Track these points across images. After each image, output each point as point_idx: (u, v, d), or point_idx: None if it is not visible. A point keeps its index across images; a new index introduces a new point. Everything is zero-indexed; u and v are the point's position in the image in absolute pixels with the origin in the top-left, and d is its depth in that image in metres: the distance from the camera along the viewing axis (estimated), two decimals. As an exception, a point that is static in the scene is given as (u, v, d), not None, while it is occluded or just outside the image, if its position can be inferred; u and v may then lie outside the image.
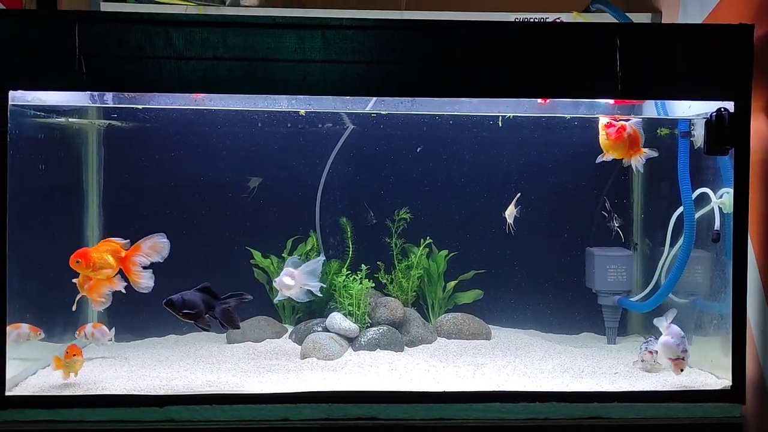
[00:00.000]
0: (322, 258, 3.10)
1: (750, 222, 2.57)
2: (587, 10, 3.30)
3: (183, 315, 2.54)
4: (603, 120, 2.91)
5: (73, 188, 3.37)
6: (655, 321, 2.81)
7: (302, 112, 3.27)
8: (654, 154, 2.91)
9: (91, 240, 3.44)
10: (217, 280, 3.19)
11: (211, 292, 2.62)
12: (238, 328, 2.71)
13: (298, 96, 2.76)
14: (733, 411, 2.56)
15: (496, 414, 2.51)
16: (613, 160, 2.95)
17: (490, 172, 3.58)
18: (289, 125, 3.49)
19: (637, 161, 2.91)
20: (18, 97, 2.52)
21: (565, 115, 3.24)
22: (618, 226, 3.20)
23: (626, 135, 2.88)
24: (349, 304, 3.27)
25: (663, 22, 3.33)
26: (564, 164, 3.57)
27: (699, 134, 2.84)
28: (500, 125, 3.22)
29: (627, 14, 3.13)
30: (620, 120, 2.91)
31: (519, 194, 3.30)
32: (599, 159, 2.94)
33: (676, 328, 2.73)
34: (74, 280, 2.70)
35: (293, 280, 2.98)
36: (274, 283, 3.06)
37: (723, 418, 2.55)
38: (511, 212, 3.32)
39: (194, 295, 2.59)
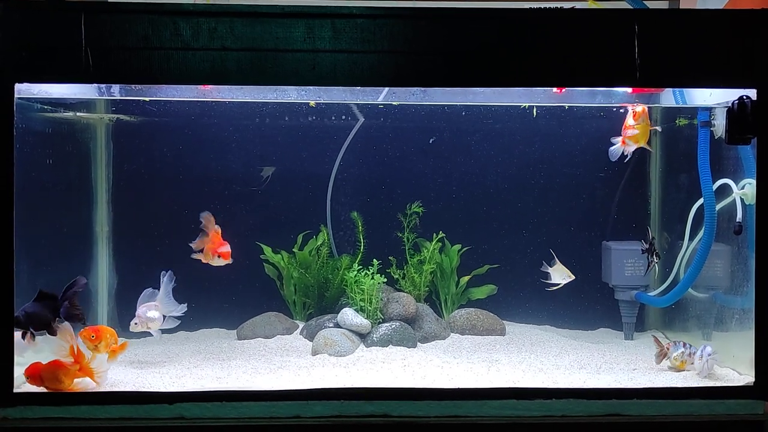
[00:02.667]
0: (167, 274, 2.88)
1: (773, 213, 2.49)
2: (602, -2, 3.23)
3: (35, 329, 2.46)
4: (644, 109, 2.85)
5: (82, 183, 3.34)
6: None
7: (312, 103, 3.22)
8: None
9: (100, 236, 3.42)
10: (227, 275, 3.18)
11: (49, 296, 2.49)
12: (82, 320, 2.56)
13: (308, 87, 2.71)
14: (756, 408, 2.49)
15: (511, 411, 2.46)
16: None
17: (504, 164, 3.52)
18: (299, 117, 3.45)
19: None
20: (24, 90, 2.50)
21: (582, 105, 3.17)
22: (657, 262, 3.07)
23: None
24: (360, 300, 3.23)
25: (681, 8, 3.25)
26: (580, 156, 3.50)
27: (719, 124, 2.77)
28: (534, 115, 3.14)
29: (644, 1, 3.05)
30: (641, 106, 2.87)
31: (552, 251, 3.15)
32: (630, 150, 2.91)
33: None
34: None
35: (158, 312, 2.85)
36: (133, 326, 2.85)
37: (746, 415, 2.49)
38: (560, 271, 3.10)
39: (35, 307, 2.47)
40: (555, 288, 3.10)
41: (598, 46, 2.46)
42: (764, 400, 2.49)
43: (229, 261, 2.90)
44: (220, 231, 2.91)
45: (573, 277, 3.09)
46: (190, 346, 3.18)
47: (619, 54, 2.45)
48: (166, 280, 2.86)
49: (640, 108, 2.84)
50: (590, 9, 3.09)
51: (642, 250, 3.08)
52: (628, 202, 3.51)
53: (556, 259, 3.09)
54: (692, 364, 2.73)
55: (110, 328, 2.68)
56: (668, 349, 2.80)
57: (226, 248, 2.89)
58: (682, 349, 2.76)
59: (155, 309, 2.84)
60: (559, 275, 3.08)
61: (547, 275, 3.10)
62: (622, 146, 2.94)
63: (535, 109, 3.16)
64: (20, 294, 2.47)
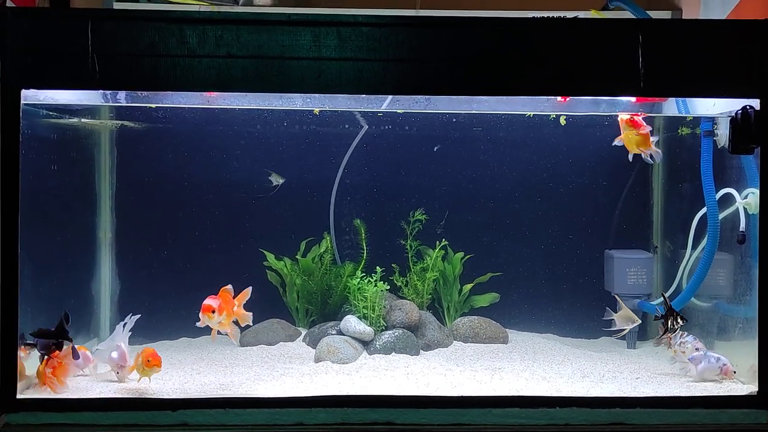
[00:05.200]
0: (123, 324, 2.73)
1: (777, 223, 2.50)
2: (605, 8, 3.24)
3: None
4: (623, 116, 2.86)
5: (85, 189, 3.34)
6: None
7: (316, 110, 3.23)
8: (656, 138, 2.91)
9: (103, 243, 3.42)
10: (230, 281, 3.16)
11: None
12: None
13: (314, 94, 2.72)
14: (759, 417, 2.49)
15: (515, 420, 2.45)
16: (635, 155, 2.90)
17: (507, 172, 3.53)
18: (303, 124, 3.46)
19: (654, 152, 2.88)
20: (30, 96, 2.50)
21: (580, 114, 3.17)
22: (677, 328, 2.89)
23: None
24: (363, 307, 3.22)
25: (684, 18, 3.27)
26: (583, 164, 3.51)
27: (722, 133, 2.78)
28: (563, 123, 3.13)
29: (646, 11, 3.07)
30: (635, 115, 2.87)
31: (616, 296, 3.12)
32: (631, 156, 2.89)
33: (701, 355, 2.74)
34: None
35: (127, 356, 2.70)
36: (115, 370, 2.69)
37: (750, 424, 2.48)
38: (625, 317, 3.02)
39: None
40: (621, 334, 3.08)
41: (602, 55, 2.47)
42: (768, 410, 2.50)
43: (207, 317, 2.61)
44: (229, 294, 2.70)
45: (639, 321, 3.05)
46: (193, 353, 3.18)
47: (623, 63, 2.45)
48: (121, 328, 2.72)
49: (626, 117, 2.86)
50: (595, 19, 3.11)
51: (656, 316, 2.89)
52: (631, 210, 3.52)
53: (621, 303, 3.05)
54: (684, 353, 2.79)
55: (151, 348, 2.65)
56: (670, 338, 2.85)
57: (208, 301, 2.62)
58: (680, 339, 2.81)
59: (122, 354, 2.71)
60: (625, 321, 3.02)
61: (611, 322, 3.05)
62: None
63: (563, 118, 3.14)
64: (24, 300, 2.47)
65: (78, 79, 2.42)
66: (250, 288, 2.76)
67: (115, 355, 2.68)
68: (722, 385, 2.68)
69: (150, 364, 2.58)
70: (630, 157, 2.92)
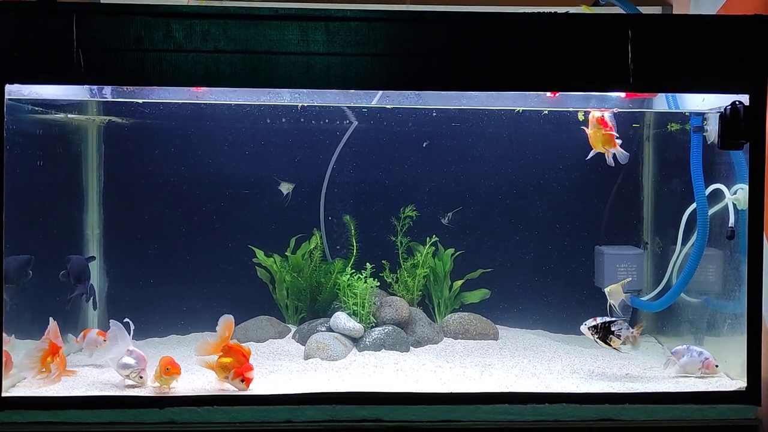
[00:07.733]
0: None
1: (766, 218, 2.50)
2: (596, 4, 3.23)
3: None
4: (595, 114, 2.86)
5: (72, 185, 3.32)
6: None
7: (299, 105, 3.21)
8: (619, 141, 2.89)
9: (91, 239, 3.39)
10: (219, 278, 3.14)
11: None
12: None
13: (302, 90, 2.70)
14: (748, 413, 2.50)
15: (504, 416, 2.46)
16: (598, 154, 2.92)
17: (497, 168, 3.52)
18: (291, 120, 3.44)
19: (620, 153, 2.88)
20: (14, 91, 2.48)
21: (570, 109, 3.16)
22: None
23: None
24: (353, 304, 3.21)
25: (674, 13, 3.26)
26: (573, 160, 3.50)
27: (712, 129, 2.78)
28: (581, 119, 3.10)
29: (637, 7, 3.06)
30: (601, 111, 2.88)
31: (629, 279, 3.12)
32: (591, 155, 2.90)
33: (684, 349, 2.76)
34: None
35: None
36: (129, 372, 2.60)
37: (738, 420, 2.49)
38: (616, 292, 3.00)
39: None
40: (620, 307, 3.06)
41: (592, 51, 2.46)
42: (756, 405, 2.50)
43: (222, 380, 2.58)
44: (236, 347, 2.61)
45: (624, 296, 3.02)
46: (181, 350, 3.15)
47: (612, 59, 2.45)
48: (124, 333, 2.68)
49: (598, 114, 2.86)
50: (584, 14, 3.10)
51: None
52: (621, 206, 3.52)
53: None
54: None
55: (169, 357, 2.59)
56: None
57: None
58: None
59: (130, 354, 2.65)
60: (616, 297, 3.01)
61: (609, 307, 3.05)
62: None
63: (581, 113, 3.12)
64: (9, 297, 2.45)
65: (63, 74, 2.40)
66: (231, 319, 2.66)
67: (131, 361, 2.60)
68: (711, 380, 2.68)
69: (169, 373, 2.54)
70: (590, 154, 2.91)
